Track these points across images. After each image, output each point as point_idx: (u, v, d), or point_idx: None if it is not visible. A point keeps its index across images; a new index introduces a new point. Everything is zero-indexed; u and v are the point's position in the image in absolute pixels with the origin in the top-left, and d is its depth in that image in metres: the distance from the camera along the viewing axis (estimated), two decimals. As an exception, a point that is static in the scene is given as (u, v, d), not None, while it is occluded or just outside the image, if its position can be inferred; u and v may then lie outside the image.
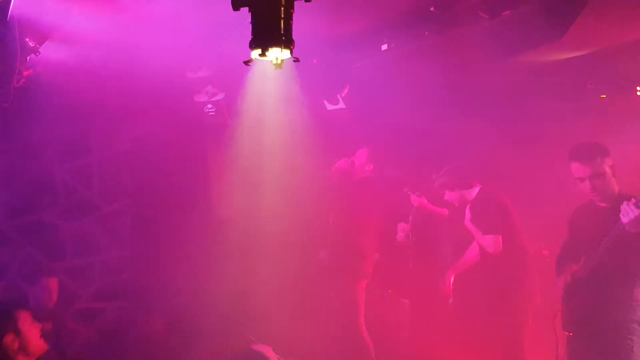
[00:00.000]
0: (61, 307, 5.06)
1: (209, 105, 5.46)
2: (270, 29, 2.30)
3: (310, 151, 5.42)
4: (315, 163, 5.55)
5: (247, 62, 2.39)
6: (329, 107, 5.71)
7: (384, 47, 4.54)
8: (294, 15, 2.40)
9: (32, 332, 3.39)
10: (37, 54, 4.21)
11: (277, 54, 2.37)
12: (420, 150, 5.47)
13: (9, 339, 3.26)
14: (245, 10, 2.43)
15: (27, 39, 4.08)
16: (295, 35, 2.40)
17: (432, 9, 4.07)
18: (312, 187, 5.52)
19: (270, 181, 5.46)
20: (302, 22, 2.56)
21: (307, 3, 2.43)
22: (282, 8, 2.31)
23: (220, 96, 5.42)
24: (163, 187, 5.69)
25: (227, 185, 5.67)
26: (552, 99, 5.11)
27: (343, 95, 5.41)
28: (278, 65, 2.42)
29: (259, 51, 2.34)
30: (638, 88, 4.72)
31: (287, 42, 2.33)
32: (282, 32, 2.31)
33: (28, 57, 4.19)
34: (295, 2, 2.39)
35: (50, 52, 4.38)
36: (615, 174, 3.52)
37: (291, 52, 2.38)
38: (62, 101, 5.17)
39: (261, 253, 5.43)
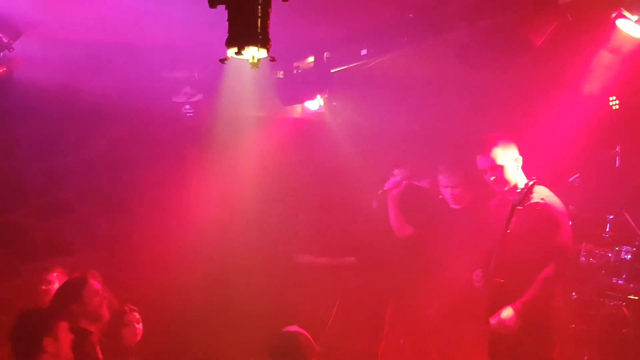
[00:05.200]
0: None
1: (187, 106, 5.43)
2: (246, 28, 2.28)
3: (289, 153, 5.41)
4: (295, 165, 5.55)
5: (223, 60, 2.36)
6: (309, 110, 5.72)
7: (364, 52, 4.57)
8: (273, 18, 2.39)
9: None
10: (11, 50, 4.13)
11: (254, 53, 2.35)
12: (399, 152, 5.48)
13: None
14: (222, 9, 2.40)
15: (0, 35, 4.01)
16: (276, 39, 2.38)
17: (411, 15, 4.12)
18: (292, 190, 5.51)
19: (248, 183, 5.43)
20: (282, 25, 2.55)
21: (286, 4, 2.42)
22: (259, 7, 2.29)
23: (198, 97, 5.39)
24: (139, 188, 5.63)
25: (204, 186, 5.62)
26: (526, 107, 5.17)
27: (323, 98, 5.42)
28: (254, 65, 2.39)
29: (235, 49, 2.32)
30: (611, 98, 4.80)
31: (263, 41, 2.31)
32: (259, 30, 2.29)
33: (1, 54, 4.12)
34: (274, 4, 2.37)
35: (24, 49, 4.30)
36: (520, 165, 3.58)
37: (268, 52, 2.36)
38: (36, 100, 5.08)
39: (238, 255, 5.39)
